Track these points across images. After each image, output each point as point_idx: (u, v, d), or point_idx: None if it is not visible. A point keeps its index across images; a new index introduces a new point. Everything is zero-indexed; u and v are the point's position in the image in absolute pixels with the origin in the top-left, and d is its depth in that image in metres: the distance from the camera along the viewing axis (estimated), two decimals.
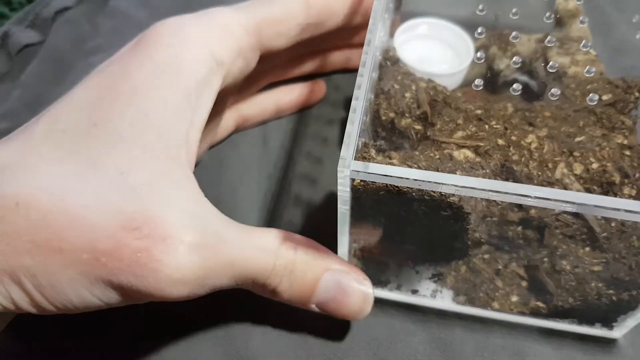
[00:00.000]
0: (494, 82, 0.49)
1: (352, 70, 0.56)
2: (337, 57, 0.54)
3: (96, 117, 0.30)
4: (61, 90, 0.57)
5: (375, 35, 0.35)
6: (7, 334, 0.39)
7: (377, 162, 0.32)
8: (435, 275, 0.39)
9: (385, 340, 0.41)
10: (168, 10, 0.63)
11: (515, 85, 0.44)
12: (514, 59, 0.43)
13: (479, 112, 0.41)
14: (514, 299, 0.41)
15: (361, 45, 0.50)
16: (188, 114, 0.32)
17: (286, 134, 0.53)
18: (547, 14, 0.47)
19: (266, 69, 0.47)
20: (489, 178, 0.38)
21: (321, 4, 0.42)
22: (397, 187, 0.30)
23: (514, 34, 0.47)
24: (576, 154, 0.39)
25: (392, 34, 0.51)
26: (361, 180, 0.30)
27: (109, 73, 0.33)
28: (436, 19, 0.49)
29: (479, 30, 0.47)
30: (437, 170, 0.36)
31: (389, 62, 0.44)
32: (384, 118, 0.43)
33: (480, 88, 0.44)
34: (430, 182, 0.28)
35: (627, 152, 0.40)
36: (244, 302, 0.41)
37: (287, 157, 0.51)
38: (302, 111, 0.55)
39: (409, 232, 0.36)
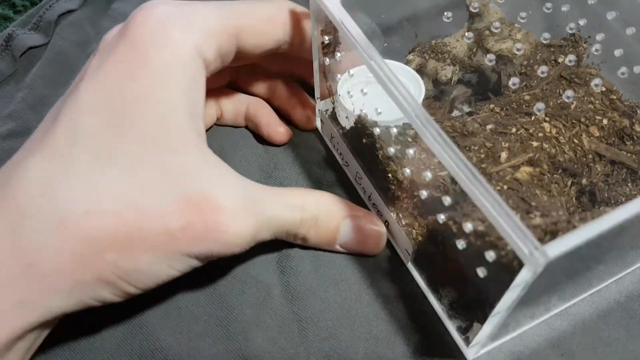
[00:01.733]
0: (446, 92, 0.49)
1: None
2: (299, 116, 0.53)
3: (118, 120, 0.33)
4: (65, 92, 0.55)
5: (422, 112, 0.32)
6: None
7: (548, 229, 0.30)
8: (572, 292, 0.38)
9: (384, 337, 0.41)
10: None
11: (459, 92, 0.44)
12: (488, 56, 0.42)
13: (490, 126, 0.41)
14: (601, 267, 0.42)
15: None
16: (192, 109, 0.36)
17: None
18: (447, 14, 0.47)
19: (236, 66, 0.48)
20: (556, 182, 0.38)
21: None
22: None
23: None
24: (583, 119, 0.41)
25: (326, 94, 0.48)
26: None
27: (112, 75, 0.34)
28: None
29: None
30: (524, 200, 0.35)
31: (373, 128, 0.41)
32: (405, 182, 0.40)
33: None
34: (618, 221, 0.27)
35: (613, 96, 0.43)
36: (244, 300, 0.42)
37: (288, 159, 0.51)
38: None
39: (575, 272, 0.34)
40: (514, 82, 0.36)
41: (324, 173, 0.50)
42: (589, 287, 0.41)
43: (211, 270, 0.43)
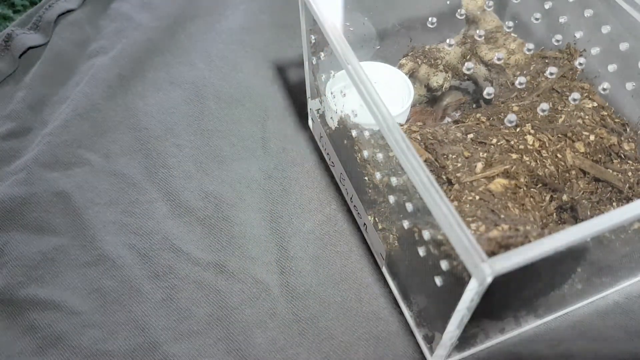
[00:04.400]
0: (439, 98, 0.49)
1: None
2: None
3: None
4: (64, 92, 0.58)
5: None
6: None
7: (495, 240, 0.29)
8: (539, 306, 0.38)
9: (385, 337, 0.41)
10: (169, 13, 0.65)
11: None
12: (466, 65, 0.42)
13: (471, 135, 0.40)
14: (580, 286, 0.41)
15: None
16: None
17: (285, 137, 0.53)
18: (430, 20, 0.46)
19: None
20: (531, 196, 0.37)
21: None
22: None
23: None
24: (569, 134, 0.40)
25: (315, 93, 0.48)
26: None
27: None
28: (364, 62, 0.47)
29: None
30: (494, 212, 0.35)
31: (352, 130, 0.41)
32: (380, 184, 0.40)
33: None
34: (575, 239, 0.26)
35: (604, 112, 0.42)
36: (244, 301, 0.42)
37: (287, 159, 0.51)
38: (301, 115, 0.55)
39: (534, 286, 0.34)
40: (488, 92, 0.36)
41: (319, 173, 0.50)
42: (564, 305, 0.41)
43: (211, 270, 0.44)
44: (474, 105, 0.49)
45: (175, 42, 0.63)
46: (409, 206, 0.33)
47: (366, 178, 0.40)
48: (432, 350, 0.38)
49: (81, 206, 0.48)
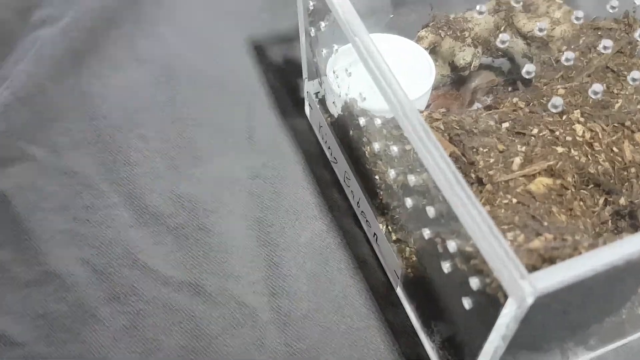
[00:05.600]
0: (467, 79, 0.49)
1: None
2: None
3: None
4: (2, 71, 0.57)
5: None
6: None
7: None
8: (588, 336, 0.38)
9: (385, 338, 0.42)
10: None
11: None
12: (500, 37, 0.42)
13: (506, 125, 0.40)
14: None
15: None
16: None
17: (277, 127, 0.54)
18: None
19: None
20: (581, 199, 0.37)
21: None
22: None
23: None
24: (628, 123, 0.41)
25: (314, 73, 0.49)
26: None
27: None
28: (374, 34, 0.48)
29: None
30: (535, 218, 0.35)
31: (359, 118, 0.41)
32: (394, 184, 0.40)
33: None
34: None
35: None
36: (225, 329, 0.42)
37: (276, 155, 0.52)
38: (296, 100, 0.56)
39: (584, 311, 0.34)
40: (528, 71, 0.36)
41: (318, 171, 0.50)
42: (621, 335, 0.41)
43: (184, 291, 0.44)
44: (510, 88, 0.49)
45: (139, 10, 0.63)
46: (431, 211, 0.33)
47: (377, 177, 0.41)
48: None
49: (23, 212, 0.48)
